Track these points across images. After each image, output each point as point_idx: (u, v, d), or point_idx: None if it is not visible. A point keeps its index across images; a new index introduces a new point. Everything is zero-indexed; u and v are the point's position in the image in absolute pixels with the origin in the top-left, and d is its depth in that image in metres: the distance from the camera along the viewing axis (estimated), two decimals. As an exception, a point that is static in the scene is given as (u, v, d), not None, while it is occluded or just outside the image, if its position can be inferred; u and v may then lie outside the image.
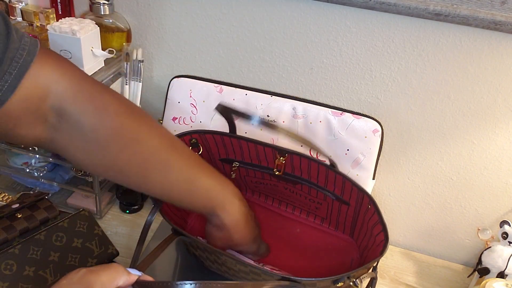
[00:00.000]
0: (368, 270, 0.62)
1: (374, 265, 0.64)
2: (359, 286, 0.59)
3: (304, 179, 0.76)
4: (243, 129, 0.82)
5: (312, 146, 0.68)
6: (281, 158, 0.73)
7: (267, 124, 0.63)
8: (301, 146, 0.76)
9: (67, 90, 0.51)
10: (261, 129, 0.80)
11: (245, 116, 0.63)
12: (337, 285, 0.59)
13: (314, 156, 0.78)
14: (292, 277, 0.57)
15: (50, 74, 0.50)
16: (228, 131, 0.81)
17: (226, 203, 0.63)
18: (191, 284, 0.48)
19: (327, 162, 0.75)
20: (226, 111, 0.66)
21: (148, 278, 0.50)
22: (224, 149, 0.78)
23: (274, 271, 0.69)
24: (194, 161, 0.61)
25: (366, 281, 0.61)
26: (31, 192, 0.90)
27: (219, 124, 0.84)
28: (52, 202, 0.79)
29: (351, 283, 0.58)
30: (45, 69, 0.49)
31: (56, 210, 0.77)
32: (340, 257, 0.80)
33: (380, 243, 0.65)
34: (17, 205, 0.76)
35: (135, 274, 0.48)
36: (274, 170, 0.76)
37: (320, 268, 0.79)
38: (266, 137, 0.80)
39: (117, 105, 0.55)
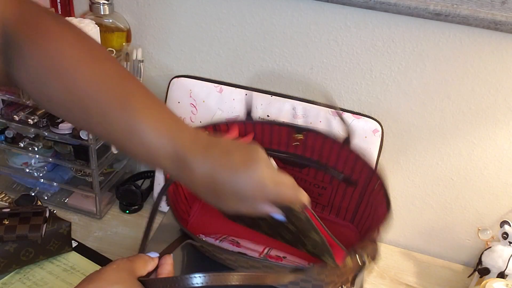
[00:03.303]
0: (372, 243, 0.61)
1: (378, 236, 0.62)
2: (367, 261, 0.58)
3: (313, 161, 0.75)
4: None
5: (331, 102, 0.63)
6: (298, 135, 0.71)
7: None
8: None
9: (14, 13, 0.48)
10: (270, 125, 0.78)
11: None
12: (346, 262, 0.58)
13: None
14: (303, 267, 0.56)
15: (2, 1, 0.48)
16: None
17: (169, 159, 0.49)
18: (200, 276, 0.46)
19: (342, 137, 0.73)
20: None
21: (169, 259, 0.54)
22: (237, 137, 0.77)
23: (279, 261, 0.69)
24: (141, 102, 0.50)
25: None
26: (32, 194, 0.90)
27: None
28: (49, 205, 0.79)
29: (358, 260, 0.58)
30: None
31: (38, 232, 0.74)
32: (338, 253, 0.80)
33: (383, 217, 0.64)
34: (7, 210, 0.75)
35: (155, 257, 0.54)
36: (293, 142, 0.74)
37: None
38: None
39: (59, 28, 0.49)
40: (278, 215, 0.53)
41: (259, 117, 0.83)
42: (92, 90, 0.49)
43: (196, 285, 0.46)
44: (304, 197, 0.55)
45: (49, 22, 0.50)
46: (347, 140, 0.71)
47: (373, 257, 0.61)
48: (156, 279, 0.51)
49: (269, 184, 0.50)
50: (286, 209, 0.54)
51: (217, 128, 0.76)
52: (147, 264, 0.52)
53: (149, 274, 0.52)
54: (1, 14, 0.48)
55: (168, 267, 0.53)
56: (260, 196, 0.50)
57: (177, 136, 0.50)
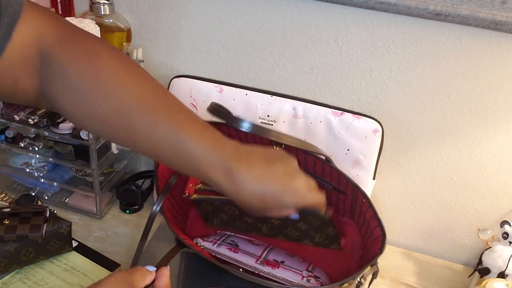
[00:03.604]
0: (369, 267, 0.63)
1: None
2: (364, 283, 0.61)
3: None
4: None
5: (308, 146, 0.68)
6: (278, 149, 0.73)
7: (259, 129, 0.62)
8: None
9: (53, 33, 0.49)
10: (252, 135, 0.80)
11: (236, 121, 0.62)
12: (343, 286, 0.60)
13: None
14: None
15: (39, 20, 0.49)
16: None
17: (219, 171, 0.52)
18: None
19: (323, 157, 0.76)
20: (217, 112, 0.65)
21: (166, 272, 0.54)
22: None
23: (276, 268, 0.69)
24: (184, 118, 0.52)
25: (369, 277, 0.63)
26: (32, 194, 0.90)
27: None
28: (49, 204, 0.79)
29: (356, 282, 0.61)
30: (34, 16, 0.48)
31: (39, 232, 0.74)
32: (343, 239, 0.80)
33: (377, 237, 0.65)
34: (8, 210, 0.75)
35: (153, 270, 0.55)
36: None
37: (324, 253, 0.79)
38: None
39: (101, 47, 0.51)
40: (294, 215, 0.58)
41: (259, 117, 0.83)
42: (138, 105, 0.50)
43: None
44: (324, 199, 0.59)
45: (91, 40, 0.51)
46: (327, 160, 0.73)
47: (373, 276, 0.64)
48: None
49: (306, 192, 0.55)
50: (309, 211, 0.59)
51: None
52: (145, 277, 0.53)
53: (147, 287, 0.53)
54: (39, 36, 0.48)
55: (165, 280, 0.54)
56: (299, 203, 0.55)
57: (221, 147, 0.52)
